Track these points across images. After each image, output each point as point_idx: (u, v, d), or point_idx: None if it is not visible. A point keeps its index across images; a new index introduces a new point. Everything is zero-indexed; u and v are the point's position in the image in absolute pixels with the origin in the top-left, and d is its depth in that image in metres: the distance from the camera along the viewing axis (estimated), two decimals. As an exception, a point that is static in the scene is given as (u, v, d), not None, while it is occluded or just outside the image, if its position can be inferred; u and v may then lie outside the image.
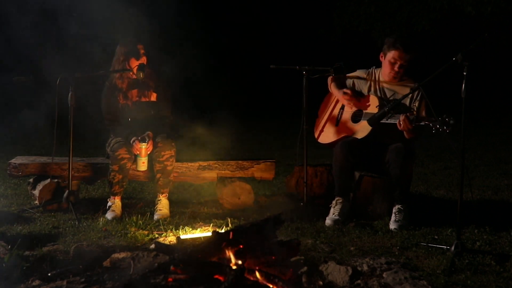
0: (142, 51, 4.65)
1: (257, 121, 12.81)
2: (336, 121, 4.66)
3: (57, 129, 4.31)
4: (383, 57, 4.44)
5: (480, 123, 11.43)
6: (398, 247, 3.64)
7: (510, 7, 11.17)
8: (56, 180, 4.69)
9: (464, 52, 3.39)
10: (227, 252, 2.76)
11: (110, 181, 4.52)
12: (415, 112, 4.26)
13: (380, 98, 4.42)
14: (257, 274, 2.68)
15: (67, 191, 4.49)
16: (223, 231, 3.68)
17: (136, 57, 4.61)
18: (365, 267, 3.11)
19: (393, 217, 4.17)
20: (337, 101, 4.72)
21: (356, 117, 4.53)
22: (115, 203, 4.50)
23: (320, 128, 4.77)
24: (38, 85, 4.50)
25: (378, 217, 4.35)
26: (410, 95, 4.22)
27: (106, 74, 4.74)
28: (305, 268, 3.02)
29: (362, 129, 4.40)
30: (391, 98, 4.42)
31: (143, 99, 4.70)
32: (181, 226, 4.11)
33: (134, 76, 4.63)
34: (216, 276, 2.63)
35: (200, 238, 3.74)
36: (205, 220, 4.33)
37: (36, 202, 4.67)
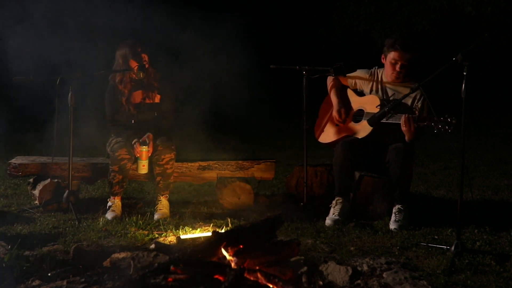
0: (139, 50, 4.63)
1: (257, 121, 12.80)
2: (336, 121, 4.66)
3: (57, 129, 4.32)
4: (384, 59, 4.45)
5: (480, 123, 11.42)
6: (398, 247, 3.64)
7: (510, 7, 11.17)
8: (56, 180, 4.69)
9: (464, 52, 3.39)
10: (227, 252, 2.76)
11: (110, 182, 4.52)
12: (417, 112, 4.27)
13: (381, 98, 4.42)
14: (257, 274, 2.68)
15: (67, 191, 4.49)
16: (223, 231, 3.68)
17: (134, 57, 4.59)
18: (365, 267, 3.11)
19: (393, 217, 4.17)
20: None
21: (356, 117, 4.54)
22: (115, 203, 4.50)
23: (320, 127, 4.78)
24: (38, 85, 4.51)
25: (378, 217, 4.35)
26: (411, 95, 4.22)
27: (106, 74, 4.73)
28: (305, 268, 3.02)
29: (363, 129, 4.41)
30: (391, 98, 4.43)
31: (147, 101, 4.69)
32: (181, 226, 4.11)
33: (136, 77, 4.62)
34: (216, 276, 2.63)
35: (200, 238, 3.74)
36: (205, 220, 4.33)
37: (36, 202, 4.66)
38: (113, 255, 3.19)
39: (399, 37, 4.51)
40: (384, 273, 3.02)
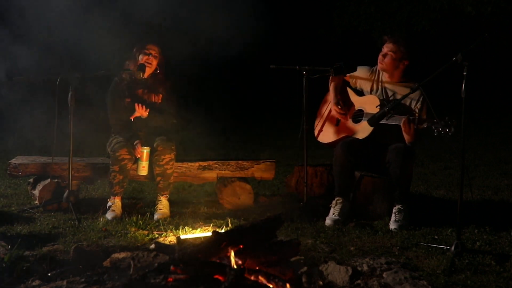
0: (153, 52, 4.63)
1: (257, 121, 12.81)
2: (336, 121, 4.66)
3: (57, 129, 4.32)
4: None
5: (480, 123, 11.42)
6: (398, 247, 3.64)
7: (510, 7, 11.16)
8: (56, 180, 4.69)
9: (464, 52, 3.39)
10: (227, 252, 2.76)
11: (111, 182, 4.52)
12: (416, 114, 4.27)
13: (380, 99, 4.43)
14: (257, 274, 2.68)
15: (67, 191, 4.49)
16: (223, 231, 3.68)
17: (146, 56, 4.60)
18: (365, 267, 3.11)
19: (393, 217, 4.17)
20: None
21: (356, 117, 4.54)
22: (115, 203, 4.50)
23: (319, 127, 4.78)
24: (38, 85, 4.51)
25: (378, 217, 4.35)
26: (411, 96, 4.22)
27: (106, 74, 4.73)
28: (305, 268, 3.02)
29: (363, 129, 4.41)
30: (391, 98, 4.43)
31: (149, 100, 4.69)
32: (181, 226, 4.11)
33: (136, 76, 4.62)
34: (216, 276, 2.63)
35: (200, 238, 3.74)
36: (205, 220, 4.33)
37: (36, 202, 4.67)
38: (113, 255, 3.19)
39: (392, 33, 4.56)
40: (384, 273, 3.02)
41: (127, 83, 4.68)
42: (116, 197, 4.52)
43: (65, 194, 4.52)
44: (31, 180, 4.92)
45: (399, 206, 4.20)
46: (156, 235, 3.93)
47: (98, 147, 5.44)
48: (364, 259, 3.23)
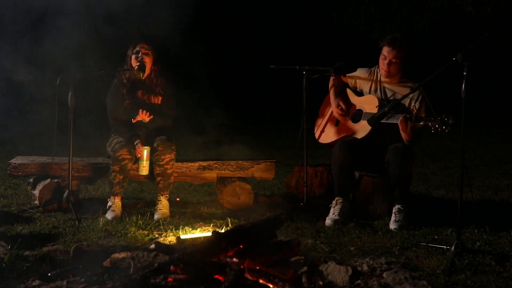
0: (142, 50, 4.63)
1: (257, 121, 12.82)
2: (336, 121, 4.67)
3: (57, 129, 4.32)
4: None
5: (480, 123, 11.43)
6: (398, 247, 3.64)
7: (510, 7, 11.16)
8: (56, 180, 4.69)
9: (464, 52, 3.39)
10: (227, 252, 2.76)
11: (111, 182, 4.52)
12: (414, 113, 4.26)
13: (380, 98, 4.43)
14: (257, 274, 2.68)
15: (67, 191, 4.49)
16: (223, 231, 3.68)
17: (136, 56, 4.61)
18: (365, 267, 3.11)
19: (393, 217, 4.17)
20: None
21: (356, 117, 4.54)
22: (115, 203, 4.50)
23: (320, 128, 4.78)
24: (38, 85, 4.51)
25: (378, 217, 4.35)
26: (411, 95, 4.22)
27: (106, 74, 4.73)
28: (305, 268, 3.01)
29: (362, 129, 4.41)
30: (391, 98, 4.43)
31: (149, 101, 4.69)
32: (181, 226, 4.11)
33: (136, 76, 4.62)
34: (216, 276, 2.63)
35: (200, 238, 3.74)
36: (205, 220, 4.33)
37: (36, 202, 4.67)
38: (113, 255, 3.19)
39: (392, 34, 4.52)
40: (384, 273, 3.02)
41: (127, 84, 4.67)
42: (116, 197, 4.52)
43: (65, 194, 4.52)
44: (31, 180, 4.92)
45: (399, 206, 4.20)
46: (156, 235, 3.93)
47: (98, 147, 5.44)
48: (364, 259, 3.23)
